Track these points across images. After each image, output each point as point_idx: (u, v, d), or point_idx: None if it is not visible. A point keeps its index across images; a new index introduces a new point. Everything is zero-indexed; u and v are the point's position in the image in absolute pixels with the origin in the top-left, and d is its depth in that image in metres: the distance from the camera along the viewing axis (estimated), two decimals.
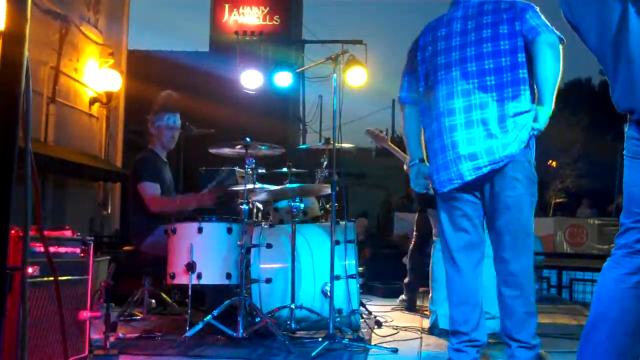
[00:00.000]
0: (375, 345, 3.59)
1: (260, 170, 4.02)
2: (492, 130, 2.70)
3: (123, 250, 4.57)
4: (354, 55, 7.35)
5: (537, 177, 2.84)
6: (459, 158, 2.77)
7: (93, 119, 9.53)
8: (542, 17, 2.75)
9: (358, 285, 3.92)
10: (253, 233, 4.01)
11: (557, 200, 23.26)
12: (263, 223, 4.28)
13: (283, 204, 4.39)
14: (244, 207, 3.74)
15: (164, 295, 4.39)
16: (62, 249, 2.86)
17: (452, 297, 2.94)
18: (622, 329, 1.93)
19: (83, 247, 3.02)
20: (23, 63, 1.17)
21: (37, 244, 2.58)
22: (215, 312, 3.54)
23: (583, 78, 30.28)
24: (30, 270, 2.55)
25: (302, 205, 3.92)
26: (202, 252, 3.73)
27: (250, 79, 7.56)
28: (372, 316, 4.65)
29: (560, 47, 2.71)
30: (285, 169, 4.42)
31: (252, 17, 16.65)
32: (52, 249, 2.76)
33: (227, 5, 16.70)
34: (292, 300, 3.70)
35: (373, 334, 3.93)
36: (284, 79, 7.54)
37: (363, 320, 4.13)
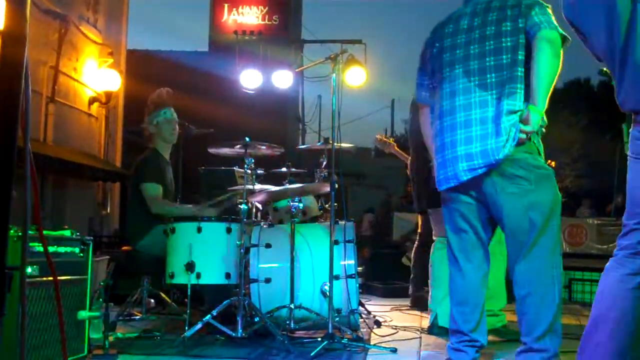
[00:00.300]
0: (374, 345, 3.59)
1: (259, 170, 4.03)
2: (489, 130, 2.66)
3: (121, 250, 4.57)
4: (353, 55, 7.37)
5: (550, 171, 2.72)
6: (456, 158, 2.74)
7: (92, 118, 9.52)
8: (550, 14, 2.68)
9: (357, 285, 3.92)
10: (252, 233, 4.02)
11: None
12: (262, 223, 4.28)
13: (282, 203, 4.39)
14: (243, 206, 3.74)
15: (163, 295, 4.39)
16: (61, 249, 2.86)
17: (452, 296, 2.92)
18: (624, 329, 1.93)
19: (82, 246, 3.02)
20: (22, 63, 1.17)
21: (37, 244, 2.58)
22: (214, 312, 3.54)
23: (582, 78, 30.29)
24: (29, 269, 2.55)
25: (301, 205, 3.92)
26: (201, 252, 3.73)
27: (250, 79, 7.56)
28: (372, 316, 4.65)
29: (563, 45, 2.65)
30: (284, 169, 4.42)
31: (251, 17, 16.63)
32: (51, 249, 2.76)
33: (226, 5, 16.69)
34: (291, 300, 3.70)
35: (372, 334, 3.93)
36: (283, 79, 7.56)
37: (362, 320, 4.13)
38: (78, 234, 3.02)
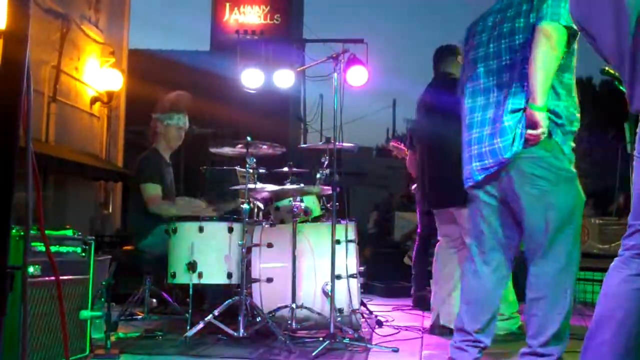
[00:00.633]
0: (376, 344, 3.59)
1: (261, 170, 4.02)
2: (495, 129, 2.67)
3: (122, 249, 4.57)
4: (355, 54, 7.35)
5: (573, 174, 2.64)
6: (472, 157, 2.76)
7: (94, 118, 9.52)
8: (562, 6, 2.52)
9: (359, 284, 3.92)
10: (254, 232, 4.01)
11: None
12: (264, 222, 4.28)
13: (284, 203, 4.39)
14: (245, 206, 3.74)
15: (165, 295, 4.39)
16: (63, 249, 2.86)
17: (463, 295, 2.90)
18: (628, 330, 1.93)
19: (84, 246, 3.02)
20: (24, 62, 1.17)
21: (39, 243, 2.58)
22: (216, 312, 3.54)
23: (584, 77, 30.25)
24: (31, 269, 2.55)
25: (302, 205, 3.92)
26: (203, 252, 3.73)
27: (251, 78, 7.55)
28: (373, 316, 4.65)
29: (563, 36, 2.53)
30: (286, 168, 4.42)
31: (252, 16, 16.62)
32: (53, 249, 2.76)
33: (227, 4, 16.68)
34: (293, 300, 3.69)
35: (374, 334, 3.93)
36: (284, 78, 7.54)
37: (364, 319, 4.13)
38: (80, 233, 3.02)
